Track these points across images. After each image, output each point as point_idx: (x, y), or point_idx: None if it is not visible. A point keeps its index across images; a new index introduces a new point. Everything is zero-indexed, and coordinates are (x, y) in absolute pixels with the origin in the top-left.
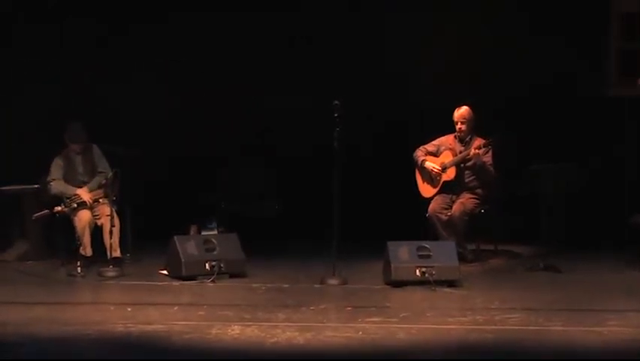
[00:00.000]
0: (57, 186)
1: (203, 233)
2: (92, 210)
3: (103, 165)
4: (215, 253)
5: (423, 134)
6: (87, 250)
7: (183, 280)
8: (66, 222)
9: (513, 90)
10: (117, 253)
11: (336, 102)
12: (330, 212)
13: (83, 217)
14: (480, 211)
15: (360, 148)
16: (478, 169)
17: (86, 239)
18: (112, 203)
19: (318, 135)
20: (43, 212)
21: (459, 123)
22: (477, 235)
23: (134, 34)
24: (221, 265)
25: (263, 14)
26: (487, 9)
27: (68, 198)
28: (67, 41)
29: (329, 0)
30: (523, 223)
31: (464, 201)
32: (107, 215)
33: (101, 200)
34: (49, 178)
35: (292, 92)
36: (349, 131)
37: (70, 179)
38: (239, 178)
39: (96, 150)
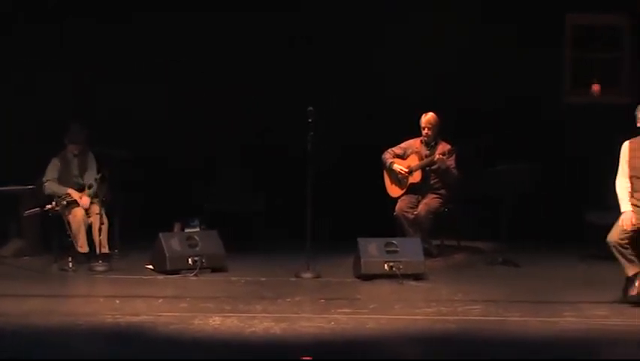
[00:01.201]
0: (50, 186)
1: (187, 230)
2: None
3: (95, 169)
4: (197, 248)
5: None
6: (84, 247)
7: (168, 274)
8: (59, 221)
9: (513, 91)
10: (105, 250)
11: (310, 108)
12: (322, 211)
13: (78, 215)
14: (444, 210)
15: (359, 148)
16: (443, 172)
17: (82, 236)
18: (101, 203)
19: (318, 135)
20: (33, 209)
21: (425, 129)
22: (441, 232)
23: (134, 34)
24: (203, 260)
25: (263, 14)
26: (486, 9)
27: (59, 197)
28: (67, 41)
29: (329, 0)
30: (488, 221)
31: (429, 202)
32: (97, 214)
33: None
34: (44, 178)
35: (292, 92)
36: (349, 131)
37: (65, 180)
38: (237, 178)
39: (91, 155)
